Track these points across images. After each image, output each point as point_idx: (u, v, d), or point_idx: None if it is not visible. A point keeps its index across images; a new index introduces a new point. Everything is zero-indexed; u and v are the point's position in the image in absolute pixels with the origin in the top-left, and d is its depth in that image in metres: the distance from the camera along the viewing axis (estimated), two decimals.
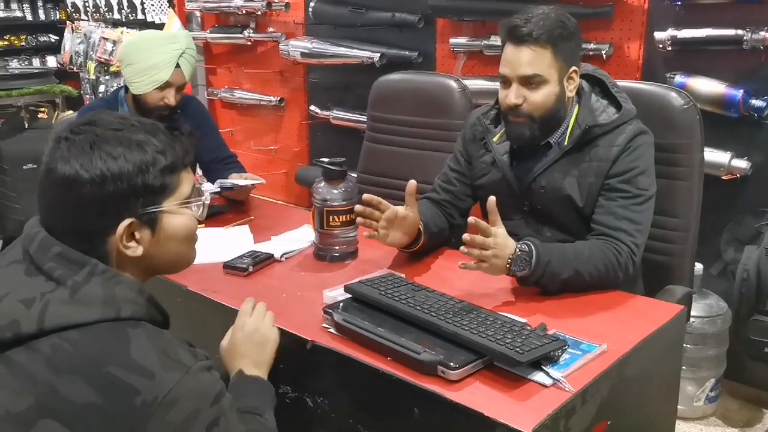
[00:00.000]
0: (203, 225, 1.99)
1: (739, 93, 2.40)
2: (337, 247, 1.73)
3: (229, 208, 2.19)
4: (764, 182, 2.48)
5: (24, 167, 3.43)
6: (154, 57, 2.15)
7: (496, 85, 1.73)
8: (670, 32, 2.52)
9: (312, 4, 3.82)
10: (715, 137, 2.35)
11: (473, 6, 3.10)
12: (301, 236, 1.88)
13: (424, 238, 1.68)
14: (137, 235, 1.02)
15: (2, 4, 5.99)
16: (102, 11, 5.42)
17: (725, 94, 2.43)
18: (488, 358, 1.19)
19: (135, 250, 1.02)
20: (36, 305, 0.94)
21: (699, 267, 2.40)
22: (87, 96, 5.36)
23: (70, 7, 5.73)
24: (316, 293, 1.50)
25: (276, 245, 1.81)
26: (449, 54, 3.31)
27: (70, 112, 3.75)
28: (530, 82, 1.61)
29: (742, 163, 2.47)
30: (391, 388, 1.20)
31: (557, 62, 1.60)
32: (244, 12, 4.30)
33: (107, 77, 5.27)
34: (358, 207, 1.62)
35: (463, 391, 1.14)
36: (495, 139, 1.76)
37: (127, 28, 5.13)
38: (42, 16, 6.15)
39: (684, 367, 2.47)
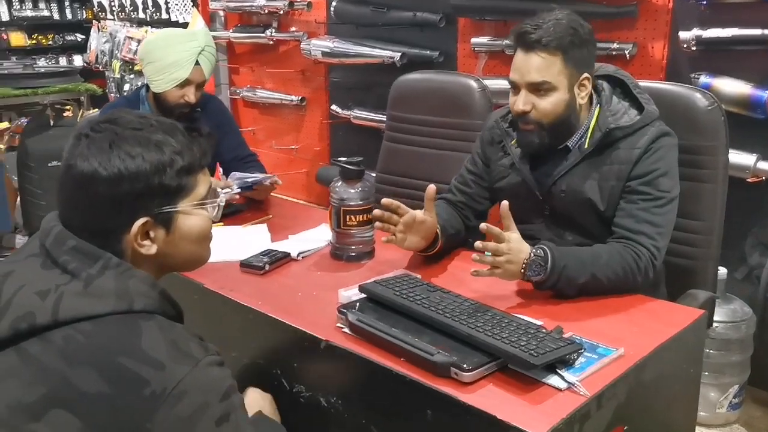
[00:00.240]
0: (222, 223, 2.01)
1: (765, 94, 2.36)
2: (353, 247, 1.73)
3: (247, 207, 2.20)
4: None
5: (49, 164, 3.47)
6: (173, 55, 2.16)
7: None
8: (695, 32, 2.48)
9: (334, 3, 3.82)
10: (741, 139, 2.30)
11: (495, 5, 3.08)
12: (319, 236, 1.88)
13: (442, 241, 1.67)
14: (152, 234, 1.03)
15: (30, 3, 6.09)
16: (127, 11, 5.48)
17: (751, 95, 2.38)
18: (502, 360, 1.18)
19: (149, 248, 1.03)
20: (50, 297, 0.95)
21: (723, 271, 2.36)
22: (112, 94, 5.44)
23: (96, 7, 5.81)
24: (332, 293, 1.49)
25: (293, 244, 1.81)
26: (470, 54, 3.30)
27: (95, 110, 3.79)
28: (539, 88, 1.59)
29: None
30: (403, 389, 1.19)
31: (567, 69, 1.58)
32: (266, 11, 4.32)
33: (132, 76, 5.34)
34: (376, 211, 1.61)
35: (476, 393, 1.13)
36: (513, 143, 1.74)
37: (152, 27, 5.19)
38: (69, 16, 6.25)
39: (707, 373, 2.43)
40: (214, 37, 4.76)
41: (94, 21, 6.02)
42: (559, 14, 1.60)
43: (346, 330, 1.34)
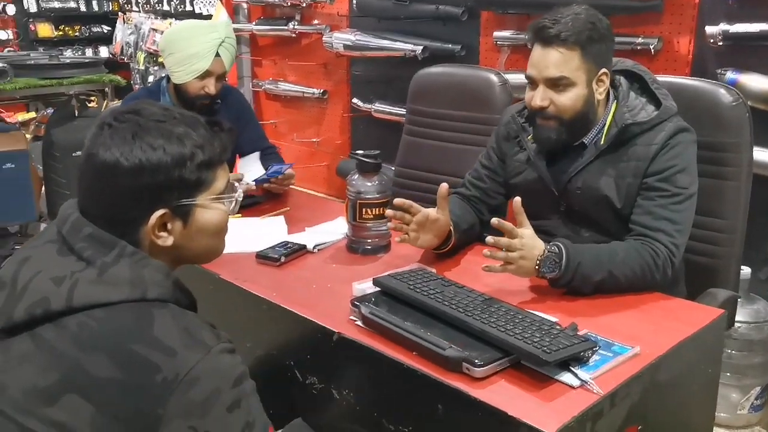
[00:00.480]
0: (240, 215, 2.02)
1: None
2: (369, 240, 1.72)
3: (266, 199, 2.20)
4: None
5: (73, 154, 3.51)
6: (194, 46, 2.17)
7: None
8: (722, 27, 2.43)
9: None
10: (766, 136, 2.26)
11: None
12: (335, 228, 1.88)
13: (455, 239, 1.66)
14: (169, 226, 1.04)
15: None
16: (152, 3, 5.53)
17: None
18: (515, 356, 1.17)
19: (166, 240, 1.04)
20: (65, 283, 0.96)
21: (747, 271, 2.32)
22: (136, 86, 5.49)
23: None
24: (347, 285, 1.49)
25: (309, 237, 1.81)
26: (493, 47, 3.27)
27: (118, 101, 3.83)
28: (557, 84, 1.57)
29: None
30: (415, 383, 1.19)
31: (586, 64, 1.56)
32: (289, 4, 4.33)
33: (156, 67, 5.39)
34: (389, 212, 1.62)
35: (487, 389, 1.12)
36: (530, 138, 1.73)
37: (176, 19, 5.23)
38: (95, 8, 6.31)
39: (728, 374, 2.40)
40: (238, 30, 4.81)
41: (119, 13, 6.08)
42: (577, 9, 1.58)
43: (359, 323, 1.34)
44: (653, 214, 1.55)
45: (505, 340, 1.18)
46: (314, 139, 4.62)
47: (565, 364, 1.15)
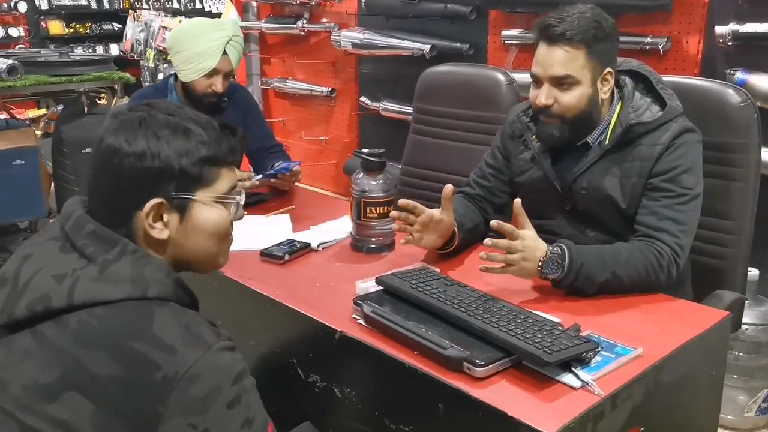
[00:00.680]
0: (245, 213, 2.02)
1: None
2: (373, 239, 1.72)
3: (272, 197, 2.21)
4: None
5: (83, 151, 3.53)
6: (201, 44, 2.18)
7: None
8: (732, 26, 2.42)
9: None
10: None
11: None
12: (340, 227, 1.88)
13: (459, 238, 1.66)
14: (165, 217, 1.04)
15: None
16: (162, 0, 5.55)
17: None
18: (516, 356, 1.17)
19: (161, 232, 1.03)
20: (66, 281, 0.97)
21: (755, 273, 2.31)
22: (146, 83, 5.52)
23: None
24: (350, 284, 1.49)
25: (314, 235, 1.81)
26: (501, 46, 3.27)
27: (128, 98, 3.85)
28: (562, 82, 1.56)
29: None
30: (416, 382, 1.18)
31: (591, 63, 1.55)
32: (298, 2, 4.33)
33: (165, 65, 5.41)
34: (393, 213, 1.62)
35: (488, 389, 1.12)
36: (535, 137, 1.72)
37: (186, 17, 5.24)
38: (106, 5, 6.34)
39: (735, 377, 2.39)
40: (247, 28, 4.82)
41: (130, 11, 6.11)
42: (582, 7, 1.58)
43: (362, 322, 1.34)
44: (658, 214, 1.54)
45: (506, 340, 1.17)
46: (322, 137, 4.62)
47: (566, 365, 1.15)
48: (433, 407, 1.16)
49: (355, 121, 4.35)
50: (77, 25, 6.29)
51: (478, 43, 3.38)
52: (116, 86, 3.78)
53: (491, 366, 1.14)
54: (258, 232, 1.85)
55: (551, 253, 1.43)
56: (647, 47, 2.65)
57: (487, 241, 1.43)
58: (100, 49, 6.29)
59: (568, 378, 1.13)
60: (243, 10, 4.91)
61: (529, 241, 1.43)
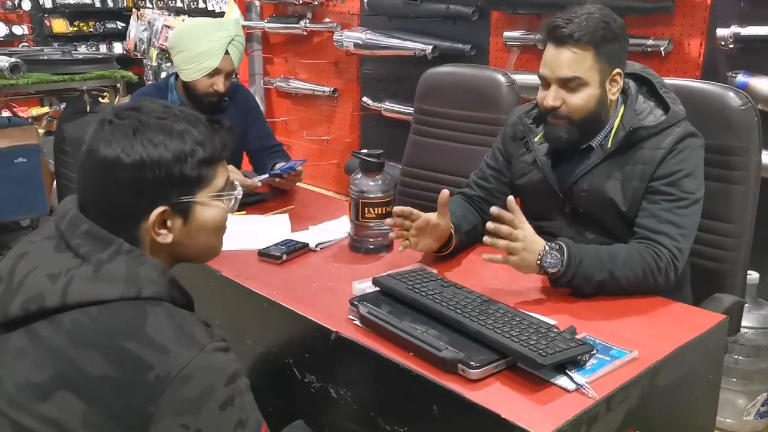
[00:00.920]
0: (244, 212, 2.03)
1: None
2: (372, 240, 1.72)
3: (272, 196, 2.21)
4: None
5: None
6: (203, 44, 2.18)
7: None
8: (734, 29, 2.41)
9: None
10: None
11: None
12: (339, 227, 1.88)
13: (456, 241, 1.66)
14: (169, 223, 1.04)
15: None
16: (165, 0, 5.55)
17: None
18: (511, 358, 1.17)
19: (165, 237, 1.04)
20: (60, 280, 0.97)
21: (755, 276, 2.30)
22: (149, 81, 5.52)
23: None
24: (347, 284, 1.49)
25: (312, 235, 1.81)
26: (503, 47, 3.26)
27: (130, 96, 3.86)
28: (569, 84, 1.56)
29: None
30: (411, 384, 1.18)
31: (599, 64, 1.55)
32: (301, 2, 4.34)
33: (168, 64, 5.41)
34: (388, 220, 1.62)
35: (482, 391, 1.12)
36: (536, 139, 1.72)
37: (189, 16, 5.25)
38: (110, 4, 6.35)
39: (735, 380, 2.38)
40: (250, 27, 4.83)
41: (133, 9, 6.11)
42: (591, 8, 1.57)
43: (358, 322, 1.34)
44: (657, 217, 1.54)
45: (501, 342, 1.17)
46: (324, 137, 4.62)
47: (561, 368, 1.15)
48: (427, 408, 1.16)
49: (357, 122, 4.35)
50: (81, 24, 6.30)
51: (480, 44, 3.38)
52: (118, 85, 3.78)
53: (486, 368, 1.14)
54: (257, 231, 1.86)
55: (550, 248, 1.43)
56: (649, 49, 2.64)
57: (489, 224, 1.43)
58: (103, 48, 6.30)
59: (562, 381, 1.13)
60: (246, 10, 4.91)
61: (529, 234, 1.43)
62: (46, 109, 5.14)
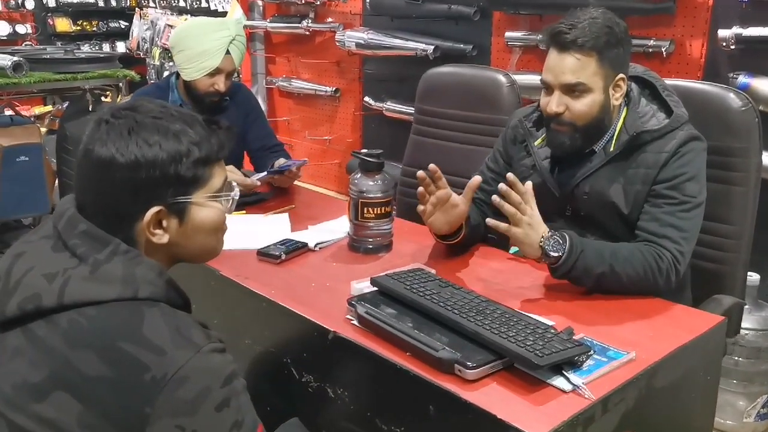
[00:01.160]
0: (244, 211, 2.03)
1: None
2: (371, 239, 1.72)
3: (272, 196, 2.21)
4: None
5: None
6: (204, 44, 2.18)
7: None
8: (735, 30, 2.41)
9: None
10: None
11: None
12: (338, 227, 1.88)
13: (465, 231, 1.65)
14: (164, 223, 1.04)
15: None
16: None
17: None
18: (508, 359, 1.17)
19: (161, 237, 1.04)
20: (57, 280, 0.97)
21: (756, 278, 2.30)
22: (151, 81, 5.53)
23: None
24: (345, 284, 1.49)
25: (312, 235, 1.81)
26: (504, 48, 3.26)
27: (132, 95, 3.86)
28: (573, 90, 1.55)
29: None
30: (408, 384, 1.18)
31: (603, 70, 1.54)
32: (303, 2, 4.34)
33: (171, 63, 5.42)
34: (420, 172, 1.59)
35: (479, 391, 1.12)
36: (536, 143, 1.72)
37: (192, 15, 5.25)
38: (113, 3, 6.36)
39: (735, 382, 2.38)
40: (252, 27, 4.83)
41: (136, 8, 6.12)
42: (594, 12, 1.56)
43: (355, 322, 1.34)
44: (660, 220, 1.53)
45: (497, 343, 1.17)
46: (326, 137, 4.62)
47: (557, 368, 1.15)
48: (424, 408, 1.16)
49: (359, 121, 4.35)
50: (84, 23, 6.31)
51: (482, 44, 3.38)
52: (121, 84, 3.79)
53: (482, 368, 1.14)
54: (256, 231, 1.86)
55: (553, 234, 1.44)
56: (650, 50, 2.64)
57: (502, 186, 1.44)
58: (106, 47, 6.31)
59: (559, 381, 1.13)
60: (249, 9, 4.91)
61: (536, 214, 1.44)
62: (48, 108, 5.16)
